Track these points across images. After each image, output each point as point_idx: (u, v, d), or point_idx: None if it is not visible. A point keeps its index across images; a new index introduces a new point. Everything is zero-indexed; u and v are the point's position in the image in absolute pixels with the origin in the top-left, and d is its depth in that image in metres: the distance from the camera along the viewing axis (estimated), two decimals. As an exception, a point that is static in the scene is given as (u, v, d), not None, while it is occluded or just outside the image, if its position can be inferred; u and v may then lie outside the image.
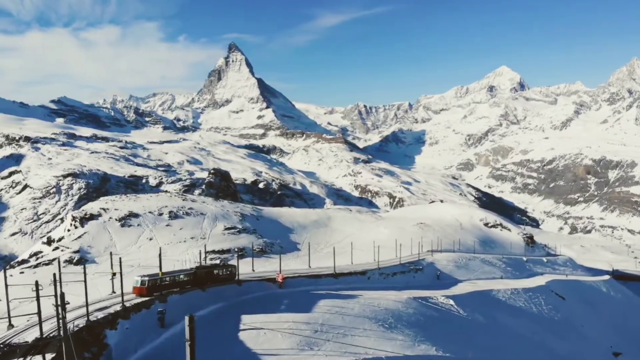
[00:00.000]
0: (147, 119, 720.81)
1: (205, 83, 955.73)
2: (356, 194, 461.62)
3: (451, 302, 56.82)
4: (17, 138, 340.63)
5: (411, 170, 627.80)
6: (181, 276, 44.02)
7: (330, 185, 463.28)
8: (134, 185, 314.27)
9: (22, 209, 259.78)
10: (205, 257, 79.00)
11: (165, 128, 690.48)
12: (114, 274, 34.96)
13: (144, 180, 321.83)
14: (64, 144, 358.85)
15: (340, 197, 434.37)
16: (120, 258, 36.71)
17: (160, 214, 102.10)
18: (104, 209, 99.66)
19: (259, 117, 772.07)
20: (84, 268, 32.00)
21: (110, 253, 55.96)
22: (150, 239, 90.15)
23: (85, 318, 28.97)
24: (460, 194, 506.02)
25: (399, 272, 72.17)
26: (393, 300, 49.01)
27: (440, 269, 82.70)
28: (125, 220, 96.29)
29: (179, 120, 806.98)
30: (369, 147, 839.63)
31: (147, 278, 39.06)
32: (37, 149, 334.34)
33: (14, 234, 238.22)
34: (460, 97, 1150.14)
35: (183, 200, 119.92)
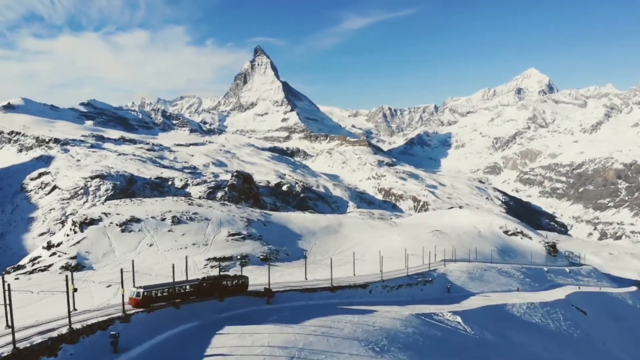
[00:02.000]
0: (174, 121, 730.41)
1: (231, 86, 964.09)
2: (380, 197, 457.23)
3: (458, 319, 52.73)
4: (47, 140, 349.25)
5: (436, 174, 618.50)
6: (187, 287, 41.95)
7: (353, 188, 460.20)
8: (160, 187, 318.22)
9: (50, 210, 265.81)
10: (183, 264, 75.57)
11: (192, 131, 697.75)
12: (74, 290, 33.17)
13: (169, 182, 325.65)
14: (92, 146, 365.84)
15: (364, 200, 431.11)
16: (67, 275, 34.18)
17: (163, 219, 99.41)
18: (105, 214, 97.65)
19: (283, 120, 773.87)
20: (3, 282, 28.92)
21: (70, 266, 54.24)
22: (151, 245, 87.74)
23: (27, 342, 26.02)
24: (487, 198, 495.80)
25: (405, 285, 67.08)
26: (391, 318, 45.33)
27: (451, 280, 77.70)
28: (127, 225, 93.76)
29: (205, 123, 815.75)
30: (394, 150, 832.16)
31: (142, 289, 37.51)
32: (66, 150, 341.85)
33: (42, 234, 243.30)
34: (488, 99, 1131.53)
35: (189, 204, 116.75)
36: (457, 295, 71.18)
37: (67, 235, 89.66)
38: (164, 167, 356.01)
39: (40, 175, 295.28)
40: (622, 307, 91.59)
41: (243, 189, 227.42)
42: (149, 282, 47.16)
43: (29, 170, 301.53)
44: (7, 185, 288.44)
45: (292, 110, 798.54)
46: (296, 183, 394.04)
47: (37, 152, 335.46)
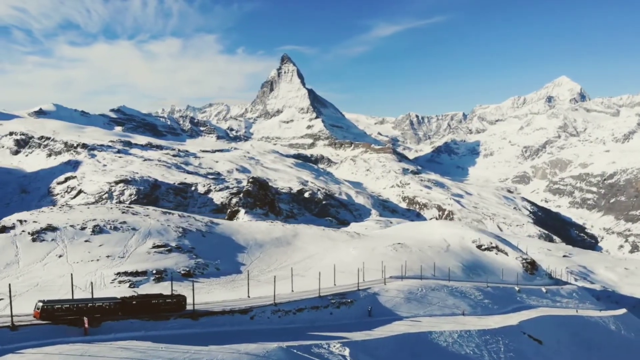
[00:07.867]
0: (201, 128, 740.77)
1: (258, 94, 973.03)
2: (403, 205, 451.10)
3: (346, 351, 41.57)
4: (75, 145, 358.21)
5: (463, 183, 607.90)
6: (109, 304, 39.92)
7: (376, 196, 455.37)
8: (183, 192, 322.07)
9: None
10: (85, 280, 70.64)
11: (218, 137, 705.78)
12: None
13: (193, 188, 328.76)
14: (119, 152, 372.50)
15: (387, 208, 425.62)
16: None
17: (83, 228, 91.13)
18: (20, 221, 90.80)
19: (309, 127, 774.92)
20: None
21: None
22: (60, 256, 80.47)
23: None
24: (515, 208, 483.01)
25: (308, 308, 55.23)
26: (243, 353, 35.46)
27: (382, 302, 65.21)
28: (39, 234, 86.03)
29: (232, 130, 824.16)
30: (420, 157, 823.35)
31: (41, 303, 37.14)
32: (93, 155, 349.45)
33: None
34: (517, 107, 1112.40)
35: (122, 212, 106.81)
36: (376, 320, 59.37)
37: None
38: (189, 172, 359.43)
39: (66, 179, 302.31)
40: (600, 333, 77.83)
41: (258, 196, 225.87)
42: (50, 296, 44.10)
43: (56, 174, 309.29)
44: (35, 188, 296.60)
45: (317, 117, 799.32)
46: (318, 190, 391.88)
47: (66, 157, 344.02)
